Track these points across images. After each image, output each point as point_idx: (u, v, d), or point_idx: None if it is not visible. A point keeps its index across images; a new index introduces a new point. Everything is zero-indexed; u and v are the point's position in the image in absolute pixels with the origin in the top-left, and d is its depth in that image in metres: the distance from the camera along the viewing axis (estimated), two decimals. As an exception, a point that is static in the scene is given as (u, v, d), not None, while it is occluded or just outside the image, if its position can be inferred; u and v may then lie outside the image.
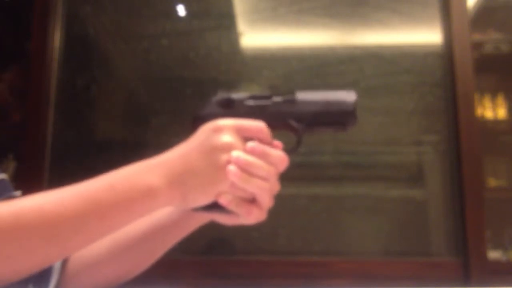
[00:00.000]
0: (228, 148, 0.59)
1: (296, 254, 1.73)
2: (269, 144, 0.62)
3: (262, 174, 0.60)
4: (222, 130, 0.60)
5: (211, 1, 1.99)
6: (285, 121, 0.65)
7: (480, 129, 1.78)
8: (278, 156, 0.62)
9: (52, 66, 1.84)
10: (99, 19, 1.98)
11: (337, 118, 0.65)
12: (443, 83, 1.80)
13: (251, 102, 0.65)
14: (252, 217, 0.61)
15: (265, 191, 0.60)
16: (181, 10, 2.00)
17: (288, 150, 0.64)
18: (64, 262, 0.72)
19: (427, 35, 1.92)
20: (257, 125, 0.62)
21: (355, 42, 1.93)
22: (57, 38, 1.88)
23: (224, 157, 0.59)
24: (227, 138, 0.60)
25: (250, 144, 0.60)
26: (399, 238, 1.76)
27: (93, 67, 1.91)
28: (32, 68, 1.84)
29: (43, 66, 1.83)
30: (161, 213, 0.69)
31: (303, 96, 0.65)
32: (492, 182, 2.02)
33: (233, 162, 0.59)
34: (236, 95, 0.66)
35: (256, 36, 1.97)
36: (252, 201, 0.61)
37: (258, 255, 1.73)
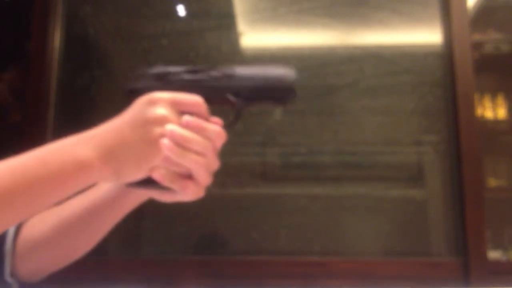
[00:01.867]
0: (162, 121, 0.58)
1: (296, 254, 1.72)
2: (206, 118, 0.61)
3: (198, 149, 0.58)
4: (157, 103, 0.59)
5: (211, 1, 1.99)
6: (223, 95, 0.63)
7: (480, 129, 1.78)
8: (215, 130, 0.60)
9: (52, 66, 1.84)
10: (99, 19, 1.98)
11: (276, 93, 0.64)
12: (443, 83, 1.80)
13: (188, 76, 0.64)
14: (189, 193, 0.60)
15: (202, 166, 0.59)
16: (181, 10, 2.00)
17: (226, 125, 0.62)
18: (14, 245, 0.71)
19: (427, 35, 1.92)
20: (193, 98, 0.61)
21: (355, 42, 1.93)
22: (57, 38, 1.87)
23: (157, 130, 0.58)
24: (161, 111, 0.58)
25: (186, 118, 0.59)
26: (399, 238, 1.76)
27: (93, 67, 1.91)
28: (32, 68, 1.83)
29: (43, 66, 1.83)
30: (101, 190, 0.68)
31: (241, 70, 0.64)
32: (492, 182, 2.02)
33: (167, 136, 0.57)
34: (173, 68, 0.64)
35: (256, 36, 1.97)
36: (188, 177, 0.60)
37: (258, 255, 1.73)
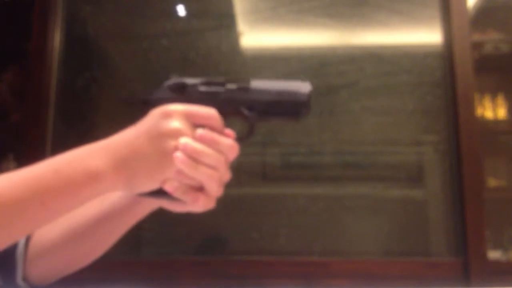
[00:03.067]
0: (176, 134, 0.58)
1: (296, 254, 1.72)
2: (220, 131, 0.61)
3: (210, 162, 0.59)
4: (172, 116, 0.59)
5: (211, 1, 1.99)
6: (238, 109, 0.63)
7: (480, 129, 1.78)
8: (228, 144, 0.60)
9: (52, 66, 1.84)
10: (99, 19, 1.98)
11: (290, 108, 0.63)
12: (443, 83, 1.80)
13: (203, 88, 0.64)
14: (199, 205, 0.60)
15: (213, 179, 0.59)
16: (181, 10, 2.00)
17: (240, 138, 0.63)
18: (25, 250, 0.72)
19: (427, 35, 1.92)
20: (208, 111, 0.61)
21: (355, 42, 1.93)
22: (57, 38, 1.87)
23: (171, 143, 0.58)
24: (175, 124, 0.59)
25: (199, 131, 0.59)
26: (399, 238, 1.76)
27: (93, 67, 1.91)
28: (32, 68, 1.84)
29: (43, 66, 1.83)
30: (112, 198, 0.68)
31: (257, 84, 0.64)
32: (492, 182, 2.02)
33: (181, 149, 0.58)
34: (189, 80, 0.65)
35: (256, 36, 1.97)
36: (199, 188, 0.60)
37: (258, 255, 1.73)
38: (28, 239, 0.72)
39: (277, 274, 1.67)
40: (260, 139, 1.83)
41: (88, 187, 0.57)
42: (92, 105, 1.93)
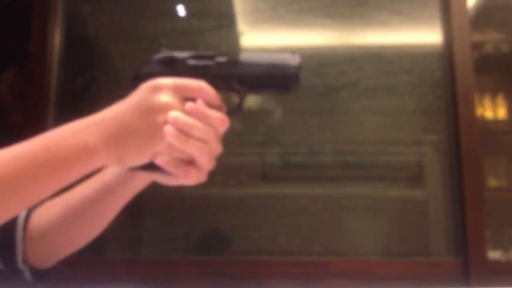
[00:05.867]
0: (166, 108, 0.59)
1: (296, 254, 1.73)
2: (213, 103, 0.61)
3: (200, 136, 0.59)
4: (161, 89, 0.59)
5: (211, 1, 1.99)
6: (228, 82, 0.64)
7: (480, 129, 1.78)
8: (218, 117, 0.60)
9: (52, 66, 1.84)
10: (99, 19, 1.98)
11: (280, 81, 0.63)
12: (443, 83, 1.80)
13: (193, 62, 0.64)
14: (191, 178, 0.60)
15: (204, 153, 0.60)
16: (181, 10, 2.00)
17: (230, 112, 0.63)
18: (25, 230, 0.72)
19: (427, 35, 1.92)
20: (198, 84, 0.61)
21: (355, 42, 1.93)
22: (57, 38, 1.88)
23: (161, 117, 0.58)
24: (165, 97, 0.59)
25: (189, 105, 0.59)
26: (399, 238, 1.76)
27: (93, 67, 1.91)
28: (32, 68, 1.84)
29: (43, 66, 1.83)
30: (106, 175, 0.69)
31: (246, 57, 0.64)
32: (492, 182, 2.02)
33: (170, 123, 0.58)
34: (179, 54, 0.65)
35: (256, 36, 1.97)
36: (190, 162, 0.60)
37: (258, 255, 1.73)
38: (26, 221, 0.72)
39: (277, 274, 1.67)
40: (260, 139, 1.83)
41: (79, 163, 0.57)
42: (92, 105, 1.93)
